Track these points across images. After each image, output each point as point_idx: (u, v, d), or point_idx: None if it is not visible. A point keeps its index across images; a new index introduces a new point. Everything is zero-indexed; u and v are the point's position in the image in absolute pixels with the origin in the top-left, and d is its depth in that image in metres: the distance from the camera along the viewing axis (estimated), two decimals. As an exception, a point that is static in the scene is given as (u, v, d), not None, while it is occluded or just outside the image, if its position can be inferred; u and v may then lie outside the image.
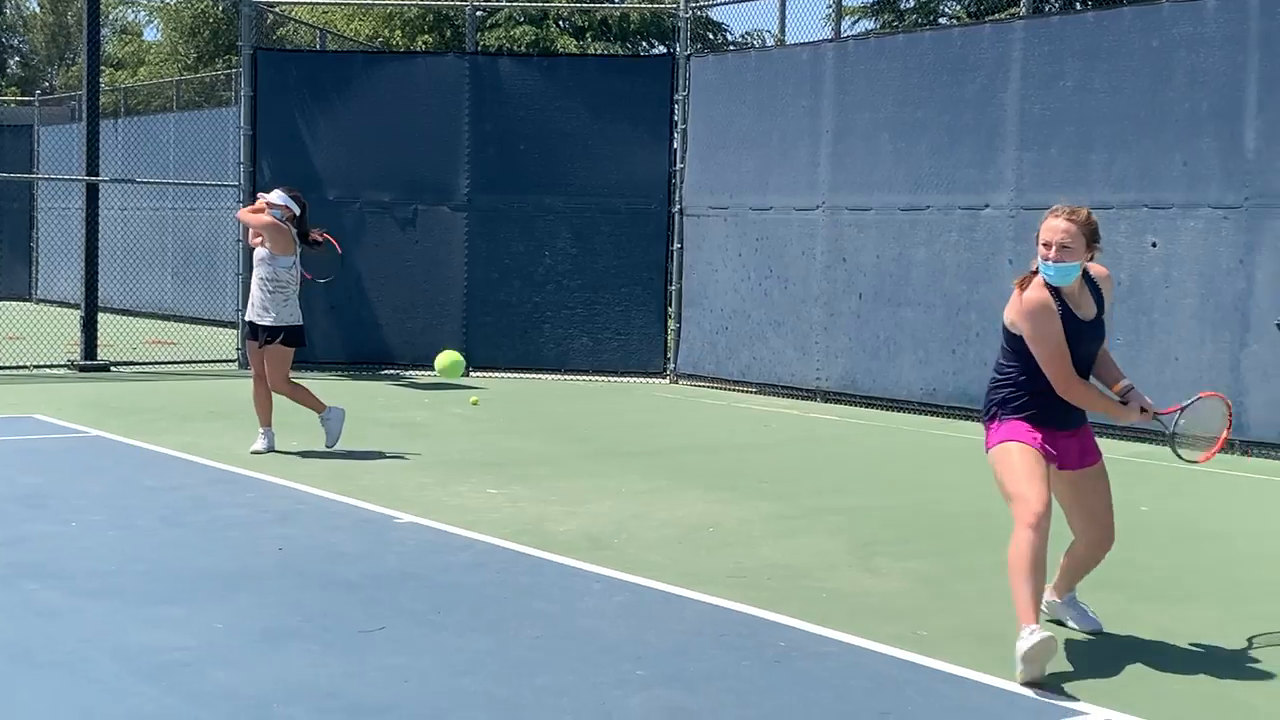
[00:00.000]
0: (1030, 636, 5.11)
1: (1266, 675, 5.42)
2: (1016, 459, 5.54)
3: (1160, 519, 8.57)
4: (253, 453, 9.86)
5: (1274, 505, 9.26)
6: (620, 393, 14.80)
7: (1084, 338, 5.59)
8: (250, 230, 10.42)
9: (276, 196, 10.18)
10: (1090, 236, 5.52)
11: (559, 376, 15.76)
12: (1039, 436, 5.59)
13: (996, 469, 5.60)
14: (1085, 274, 5.63)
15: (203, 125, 22.21)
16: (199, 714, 4.65)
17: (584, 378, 15.70)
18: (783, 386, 14.60)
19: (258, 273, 10.12)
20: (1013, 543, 5.36)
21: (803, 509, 8.53)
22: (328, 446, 10.04)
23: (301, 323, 10.16)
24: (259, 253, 10.15)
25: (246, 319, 10.33)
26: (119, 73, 40.94)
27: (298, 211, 10.16)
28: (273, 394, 10.06)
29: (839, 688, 5.13)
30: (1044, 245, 5.53)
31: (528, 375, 15.77)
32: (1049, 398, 5.61)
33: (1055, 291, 5.56)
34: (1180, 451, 5.85)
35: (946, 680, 5.24)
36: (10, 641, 5.41)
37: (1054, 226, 5.52)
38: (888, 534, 7.85)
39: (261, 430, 10.05)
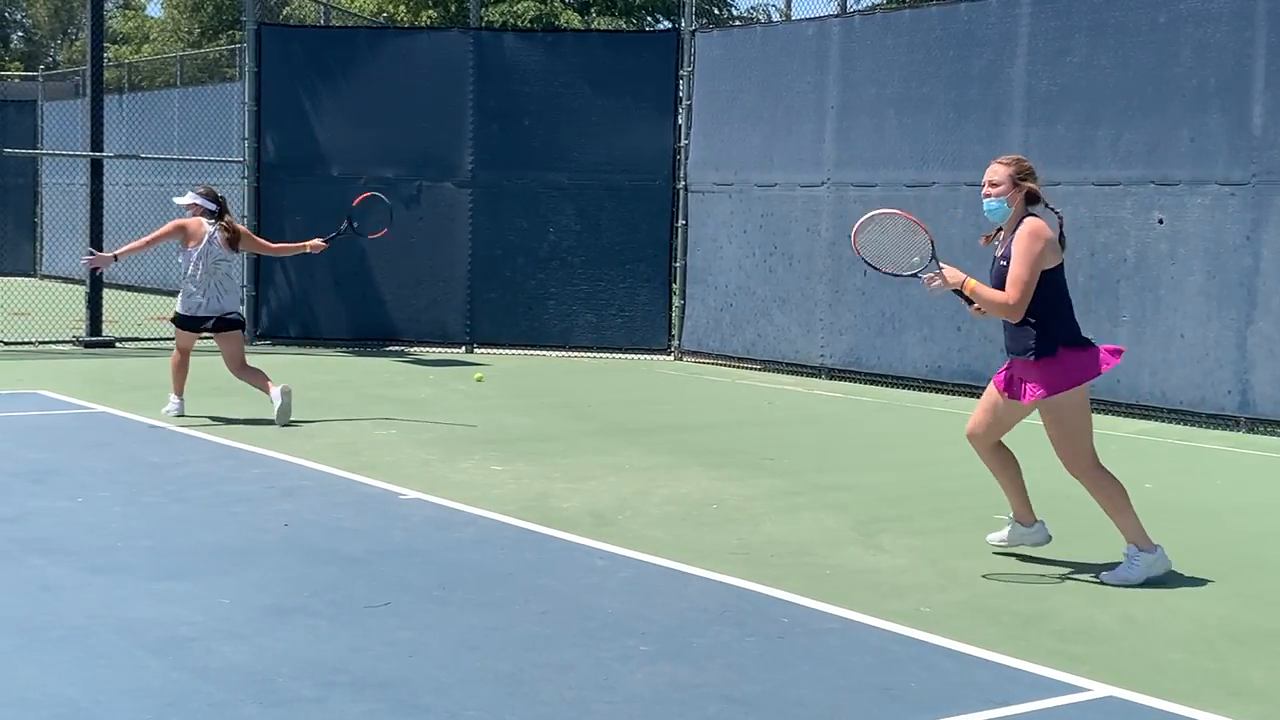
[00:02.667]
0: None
1: (1267, 652, 5.43)
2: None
3: (1164, 496, 8.57)
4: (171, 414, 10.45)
5: (1278, 482, 9.25)
6: (624, 370, 14.81)
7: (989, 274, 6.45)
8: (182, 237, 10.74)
9: (188, 198, 10.77)
10: (1017, 175, 6.33)
11: (563, 353, 15.77)
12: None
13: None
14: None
15: (207, 101, 22.17)
16: (205, 688, 4.67)
17: (588, 355, 15.70)
18: (787, 364, 14.60)
19: (216, 265, 10.62)
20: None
21: (806, 486, 8.55)
22: (281, 426, 10.14)
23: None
24: (214, 251, 10.61)
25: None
26: (123, 48, 40.90)
27: (213, 208, 10.63)
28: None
29: (842, 663, 5.14)
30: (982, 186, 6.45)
31: (532, 352, 15.78)
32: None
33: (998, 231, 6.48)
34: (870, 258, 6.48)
35: (949, 656, 5.25)
36: (17, 617, 5.43)
37: (988, 169, 6.43)
38: (891, 511, 7.86)
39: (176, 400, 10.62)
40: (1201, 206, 11.35)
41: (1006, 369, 6.49)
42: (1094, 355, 6.32)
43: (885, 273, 6.45)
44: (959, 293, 6.31)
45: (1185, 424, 11.34)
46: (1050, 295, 6.27)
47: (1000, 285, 6.27)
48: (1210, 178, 11.29)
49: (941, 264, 6.29)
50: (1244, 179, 11.08)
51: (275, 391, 10.14)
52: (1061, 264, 6.33)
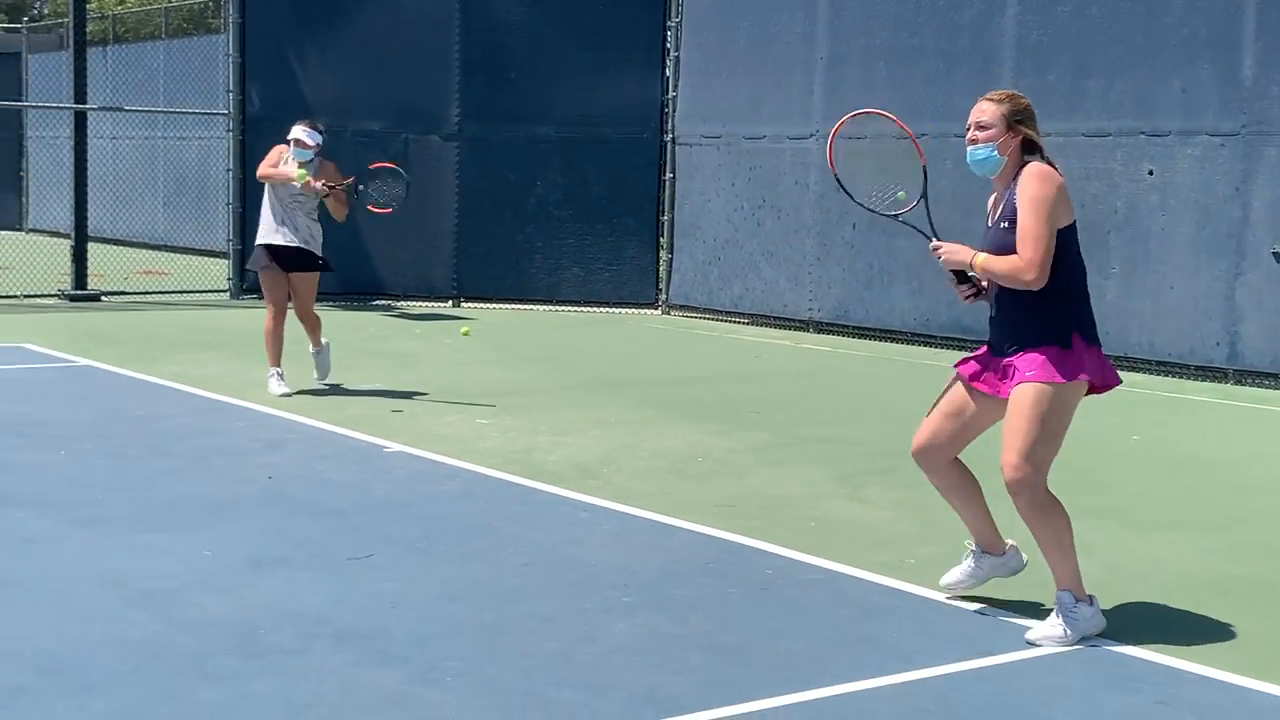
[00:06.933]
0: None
1: (1251, 602, 5.42)
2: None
3: (1151, 448, 8.57)
4: (282, 396, 9.30)
5: (1266, 434, 9.25)
6: (611, 324, 14.75)
7: (983, 238, 5.10)
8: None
9: (302, 133, 9.52)
10: (1011, 116, 4.98)
11: (550, 307, 15.70)
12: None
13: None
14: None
15: (192, 53, 21.95)
16: (185, 640, 4.64)
17: (575, 309, 15.64)
18: (775, 317, 14.55)
19: (295, 196, 9.56)
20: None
21: (792, 439, 8.52)
22: (321, 380, 9.77)
23: None
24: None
25: (272, 243, 9.55)
26: None
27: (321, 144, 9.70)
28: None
29: (825, 614, 5.13)
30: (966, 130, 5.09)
31: (519, 306, 15.72)
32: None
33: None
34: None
35: (933, 607, 5.24)
36: (-4, 569, 5.40)
37: (974, 107, 5.08)
38: (877, 464, 7.84)
39: (277, 370, 9.50)
40: (1191, 158, 11.29)
41: (979, 357, 5.15)
42: (1100, 356, 4.97)
43: (858, 203, 5.27)
44: (962, 275, 5.07)
45: (1174, 376, 11.33)
46: (1064, 266, 4.88)
47: (991, 247, 4.97)
48: (1200, 129, 11.23)
49: (939, 240, 5.10)
50: (1234, 130, 11.02)
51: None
52: (1074, 225, 4.96)
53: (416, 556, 5.74)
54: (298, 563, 5.59)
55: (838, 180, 5.32)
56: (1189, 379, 11.23)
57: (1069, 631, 4.83)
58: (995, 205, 5.10)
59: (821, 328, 14.07)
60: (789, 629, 4.94)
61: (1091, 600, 4.93)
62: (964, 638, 4.92)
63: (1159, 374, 11.41)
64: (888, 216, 5.31)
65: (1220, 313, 11.12)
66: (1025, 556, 5.32)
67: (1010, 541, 5.32)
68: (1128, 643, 4.85)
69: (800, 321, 14.29)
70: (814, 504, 6.84)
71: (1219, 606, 5.34)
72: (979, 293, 5.11)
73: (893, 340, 13.33)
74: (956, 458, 5.24)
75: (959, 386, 5.17)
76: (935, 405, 5.26)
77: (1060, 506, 4.92)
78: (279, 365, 9.57)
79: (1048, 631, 4.85)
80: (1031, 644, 4.82)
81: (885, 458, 8.00)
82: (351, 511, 6.45)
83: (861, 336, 13.61)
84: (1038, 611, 5.14)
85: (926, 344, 13.02)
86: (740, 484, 7.24)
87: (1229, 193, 11.06)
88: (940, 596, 5.33)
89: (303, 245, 9.64)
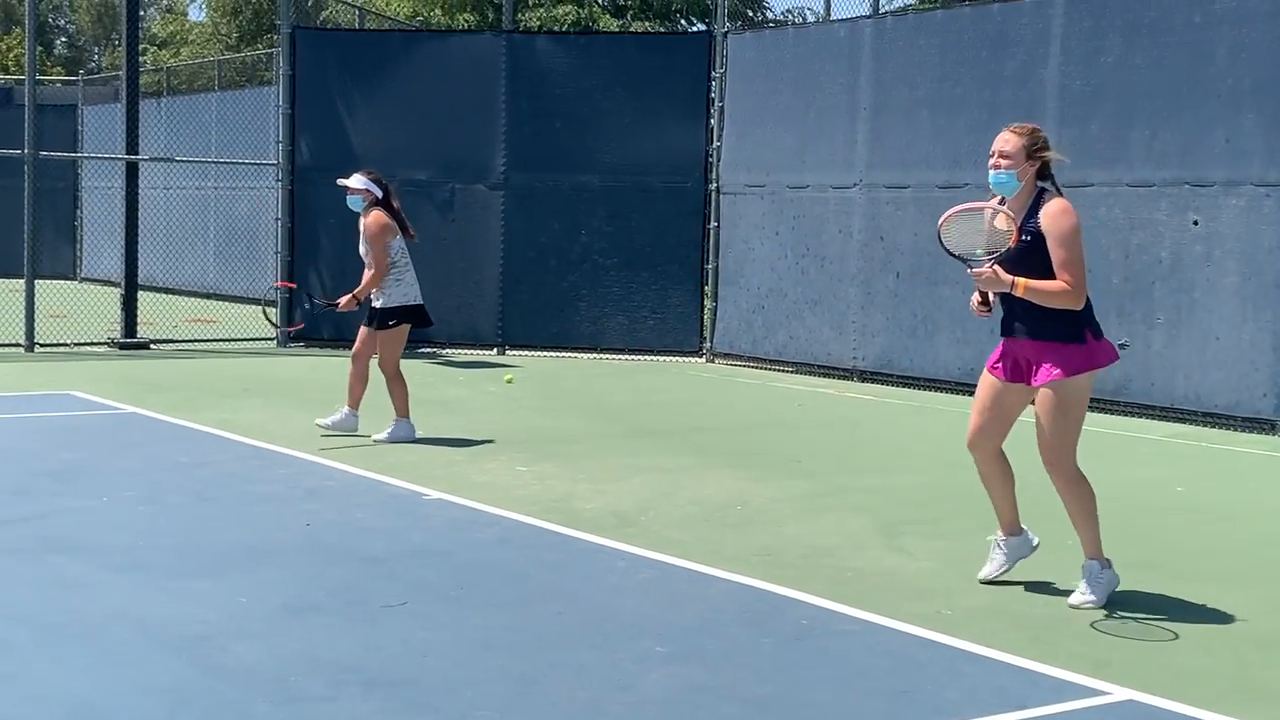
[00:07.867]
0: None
1: (1296, 657, 5.34)
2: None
3: (1195, 499, 8.47)
4: (318, 424, 9.63)
5: (1313, 486, 9.12)
6: (655, 372, 14.77)
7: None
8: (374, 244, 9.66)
9: (356, 181, 9.74)
10: (1031, 147, 5.90)
11: (594, 355, 15.74)
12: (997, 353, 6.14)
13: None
14: (1035, 205, 5.90)
15: (244, 105, 22.28)
16: (216, 686, 4.66)
17: (620, 357, 15.67)
18: (819, 366, 14.52)
19: (367, 259, 9.72)
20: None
21: (833, 488, 8.48)
22: (375, 439, 9.59)
23: (418, 301, 9.77)
24: (362, 246, 9.74)
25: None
26: (162, 51, 41.21)
27: (379, 195, 9.72)
28: (366, 379, 9.70)
29: (859, 666, 5.09)
30: (989, 156, 6.01)
31: (563, 354, 15.76)
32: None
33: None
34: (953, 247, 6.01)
35: (969, 659, 5.19)
36: (33, 614, 5.44)
37: (998, 136, 5.99)
38: (918, 513, 7.79)
39: (348, 409, 9.67)
40: (1237, 208, 11.21)
41: (1003, 355, 6.05)
42: (1108, 344, 5.96)
43: (950, 253, 5.98)
44: (1001, 294, 5.93)
45: (1220, 427, 11.20)
46: None
47: (1012, 266, 5.81)
48: (1246, 179, 11.15)
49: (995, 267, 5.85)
50: (1279, 180, 10.94)
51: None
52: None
53: (451, 605, 5.75)
54: (332, 610, 5.61)
55: (940, 236, 6.03)
56: (1236, 430, 11.10)
57: (1097, 596, 5.84)
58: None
59: (865, 376, 14.02)
60: (822, 680, 4.91)
61: (1109, 564, 5.94)
62: (998, 691, 4.87)
63: (1205, 425, 11.29)
64: (965, 259, 5.98)
65: (1268, 364, 11.00)
66: (1036, 539, 6.33)
67: (1024, 526, 6.31)
68: (1165, 696, 4.78)
69: (844, 370, 14.25)
70: (853, 554, 6.80)
71: (1259, 660, 5.26)
72: (989, 307, 6.02)
73: (937, 389, 13.27)
74: (1001, 452, 6.16)
75: (990, 380, 6.11)
76: (975, 402, 6.19)
77: (1087, 481, 5.92)
78: (349, 405, 9.72)
79: (1082, 598, 5.85)
80: (1074, 608, 5.80)
81: (926, 507, 7.95)
82: (388, 559, 6.47)
83: (906, 385, 13.56)
84: (1072, 661, 5.09)
85: (970, 393, 12.89)
86: (779, 533, 7.21)
87: (1275, 243, 10.97)
88: (976, 649, 5.28)
89: (370, 302, 9.90)
